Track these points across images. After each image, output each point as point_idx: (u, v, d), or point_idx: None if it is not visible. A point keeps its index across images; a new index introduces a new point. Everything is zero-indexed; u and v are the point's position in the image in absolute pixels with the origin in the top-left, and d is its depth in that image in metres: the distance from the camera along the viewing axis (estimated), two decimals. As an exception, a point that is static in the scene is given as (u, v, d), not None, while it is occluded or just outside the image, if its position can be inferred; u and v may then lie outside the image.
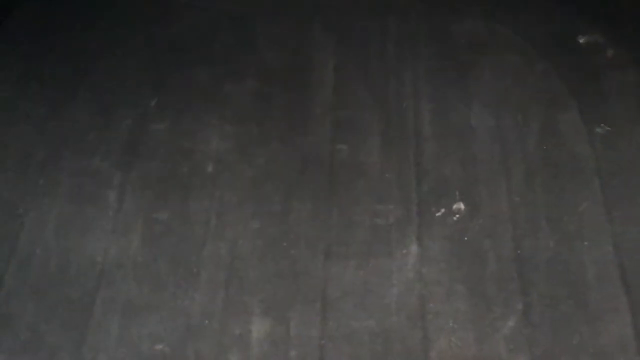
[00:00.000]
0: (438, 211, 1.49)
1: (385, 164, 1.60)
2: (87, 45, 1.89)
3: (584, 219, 1.47)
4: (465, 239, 1.44)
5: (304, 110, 1.71)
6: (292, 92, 1.76)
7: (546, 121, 1.66)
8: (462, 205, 1.50)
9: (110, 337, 1.34)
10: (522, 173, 1.56)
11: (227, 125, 1.69)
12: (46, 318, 1.36)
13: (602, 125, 1.63)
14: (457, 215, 1.48)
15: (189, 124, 1.71)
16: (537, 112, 1.68)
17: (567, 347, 1.29)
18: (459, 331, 1.32)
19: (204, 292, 1.39)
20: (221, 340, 1.33)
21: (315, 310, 1.36)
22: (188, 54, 1.88)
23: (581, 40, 1.80)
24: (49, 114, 1.70)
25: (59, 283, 1.41)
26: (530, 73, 1.76)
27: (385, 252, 1.44)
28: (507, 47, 1.83)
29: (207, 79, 1.81)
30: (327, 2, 1.99)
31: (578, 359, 1.28)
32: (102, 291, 1.40)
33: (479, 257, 1.42)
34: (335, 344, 1.32)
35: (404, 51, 1.85)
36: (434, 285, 1.38)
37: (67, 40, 1.91)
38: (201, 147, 1.65)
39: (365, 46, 1.88)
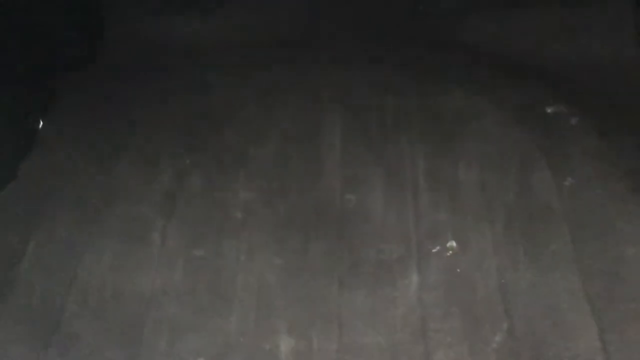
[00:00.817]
0: (434, 248, 1.76)
1: (387, 211, 1.88)
2: (130, 112, 2.20)
3: (556, 255, 1.74)
4: (458, 270, 1.71)
5: (317, 168, 2.00)
6: (306, 152, 2.06)
7: (521, 177, 1.95)
8: (454, 244, 1.77)
9: (159, 352, 1.57)
10: (503, 219, 1.84)
11: (252, 180, 1.98)
12: (104, 337, 1.59)
13: (568, 179, 1.92)
14: (450, 252, 1.75)
15: (220, 179, 1.99)
16: (514, 169, 1.98)
17: (545, 358, 1.54)
18: (455, 345, 1.57)
19: (238, 315, 1.63)
20: (254, 354, 1.56)
21: (332, 329, 1.60)
22: (219, 120, 2.18)
23: (549, 110, 2.13)
24: (101, 170, 1.98)
25: (114, 308, 1.65)
26: (506, 137, 2.08)
27: (389, 282, 1.70)
28: (486, 116, 2.15)
29: (235, 142, 2.11)
30: (333, 79, 2.32)
31: None
32: (151, 314, 1.63)
33: (470, 285, 1.68)
34: (350, 356, 1.56)
35: (400, 120, 2.16)
36: (432, 308, 1.64)
37: (114, 107, 2.22)
38: (231, 197, 1.92)
39: (366, 114, 2.19)
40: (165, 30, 2.50)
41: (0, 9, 1.96)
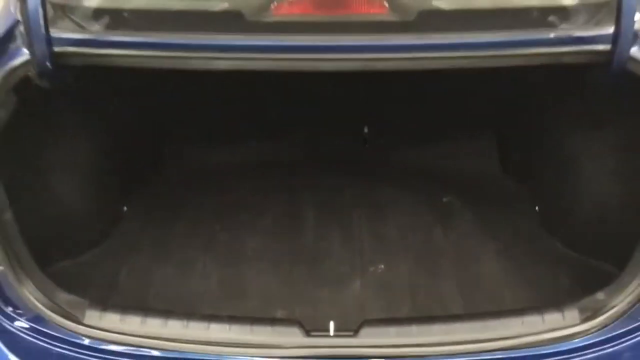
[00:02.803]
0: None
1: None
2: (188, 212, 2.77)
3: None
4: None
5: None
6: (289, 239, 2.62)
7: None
8: (382, 266, 2.52)
9: None
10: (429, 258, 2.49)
11: (264, 264, 2.48)
12: None
13: (451, 234, 2.57)
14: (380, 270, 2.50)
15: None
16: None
17: None
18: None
19: None
20: None
21: None
22: (235, 220, 2.67)
23: (444, 200, 2.85)
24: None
25: None
26: (419, 218, 2.71)
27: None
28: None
29: (253, 242, 2.56)
30: (313, 182, 2.86)
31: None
32: None
33: None
34: None
35: (361, 216, 2.69)
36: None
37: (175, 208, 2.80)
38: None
39: (333, 209, 2.71)
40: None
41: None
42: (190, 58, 1.84)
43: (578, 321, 1.61)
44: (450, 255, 2.45)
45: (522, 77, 2.38)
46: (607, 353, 1.56)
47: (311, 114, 2.81)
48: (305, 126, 2.89)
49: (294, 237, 2.58)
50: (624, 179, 2.06)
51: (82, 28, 1.83)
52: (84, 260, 2.41)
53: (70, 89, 2.13)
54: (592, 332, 1.59)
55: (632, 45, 1.70)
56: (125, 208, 2.70)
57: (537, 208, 2.60)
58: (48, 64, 1.79)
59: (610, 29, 1.70)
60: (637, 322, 1.58)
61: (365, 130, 2.89)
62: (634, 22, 1.67)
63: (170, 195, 2.86)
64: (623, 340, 1.58)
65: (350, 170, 2.87)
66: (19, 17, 1.82)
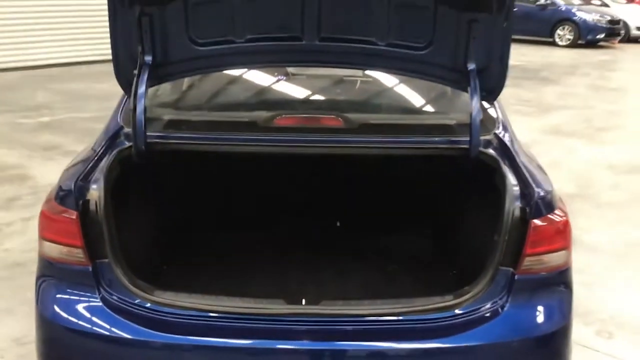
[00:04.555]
0: None
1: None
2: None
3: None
4: None
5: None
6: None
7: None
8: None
9: None
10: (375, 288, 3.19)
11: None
12: None
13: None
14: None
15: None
16: None
17: None
18: None
19: None
20: None
21: None
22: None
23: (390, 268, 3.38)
24: None
25: None
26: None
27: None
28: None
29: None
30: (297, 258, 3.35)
31: None
32: None
33: None
34: None
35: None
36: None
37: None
38: None
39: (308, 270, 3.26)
40: None
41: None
42: (227, 145, 2.92)
43: (452, 298, 2.50)
44: (390, 290, 3.22)
45: (439, 183, 3.42)
46: (468, 319, 2.44)
47: (296, 209, 3.68)
48: (291, 216, 3.70)
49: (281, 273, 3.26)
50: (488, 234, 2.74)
51: (162, 129, 2.93)
52: None
53: (149, 173, 3.05)
54: (460, 305, 2.46)
55: (479, 145, 2.80)
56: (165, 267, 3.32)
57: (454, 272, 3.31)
58: (143, 147, 2.76)
59: (467, 137, 2.81)
60: (481, 304, 2.46)
61: (338, 224, 3.73)
62: (479, 134, 2.79)
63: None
64: (474, 309, 2.45)
65: (323, 245, 3.57)
66: (122, 123, 2.97)
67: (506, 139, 2.98)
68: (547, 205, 2.54)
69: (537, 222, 2.49)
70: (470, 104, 2.78)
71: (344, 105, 3.55)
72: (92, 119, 8.16)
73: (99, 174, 2.61)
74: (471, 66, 2.79)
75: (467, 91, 2.84)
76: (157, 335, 2.41)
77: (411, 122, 3.24)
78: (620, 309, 4.12)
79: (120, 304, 2.46)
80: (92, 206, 2.51)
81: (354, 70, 3.50)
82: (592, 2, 20.19)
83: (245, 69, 3.55)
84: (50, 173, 6.18)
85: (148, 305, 2.45)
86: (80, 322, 2.46)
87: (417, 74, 2.99)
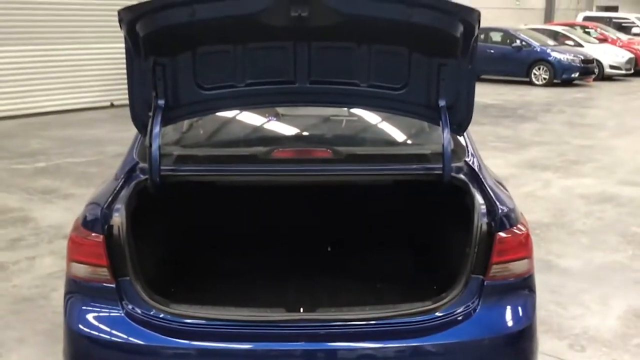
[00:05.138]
0: None
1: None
2: None
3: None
4: None
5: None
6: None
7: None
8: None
9: None
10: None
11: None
12: None
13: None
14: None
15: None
16: None
17: None
18: None
19: None
20: None
21: None
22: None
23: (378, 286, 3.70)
24: None
25: None
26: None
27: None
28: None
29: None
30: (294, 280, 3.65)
31: None
32: None
33: None
34: None
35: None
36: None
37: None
38: None
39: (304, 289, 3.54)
40: None
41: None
42: (231, 175, 3.33)
43: (430, 303, 2.80)
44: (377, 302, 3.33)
45: (417, 206, 3.79)
46: (445, 321, 2.74)
47: (292, 232, 3.99)
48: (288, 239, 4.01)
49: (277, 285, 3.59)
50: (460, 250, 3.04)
51: (172, 164, 3.28)
52: None
53: (161, 202, 3.33)
54: (438, 309, 2.77)
55: (451, 171, 3.18)
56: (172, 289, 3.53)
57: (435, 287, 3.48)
58: (157, 179, 3.12)
59: (441, 164, 3.18)
60: (456, 307, 2.76)
61: (329, 249, 4.08)
62: (451, 162, 3.18)
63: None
64: (450, 312, 2.76)
65: (316, 265, 3.85)
66: (137, 159, 3.32)
67: (475, 165, 3.36)
68: (510, 220, 2.90)
69: (501, 234, 2.85)
70: (442, 136, 3.17)
71: (332, 139, 3.95)
72: (86, 164, 8.52)
73: (120, 203, 2.93)
74: (442, 103, 3.18)
75: (439, 125, 3.21)
76: (175, 342, 2.73)
77: (392, 152, 3.72)
78: (591, 325, 4.45)
79: (141, 316, 2.77)
80: (115, 231, 2.82)
81: (339, 109, 3.93)
82: (566, 42, 20.93)
83: (239, 111, 3.93)
84: (50, 215, 6.54)
85: (166, 316, 2.77)
86: (105, 334, 2.78)
87: (395, 110, 3.38)
